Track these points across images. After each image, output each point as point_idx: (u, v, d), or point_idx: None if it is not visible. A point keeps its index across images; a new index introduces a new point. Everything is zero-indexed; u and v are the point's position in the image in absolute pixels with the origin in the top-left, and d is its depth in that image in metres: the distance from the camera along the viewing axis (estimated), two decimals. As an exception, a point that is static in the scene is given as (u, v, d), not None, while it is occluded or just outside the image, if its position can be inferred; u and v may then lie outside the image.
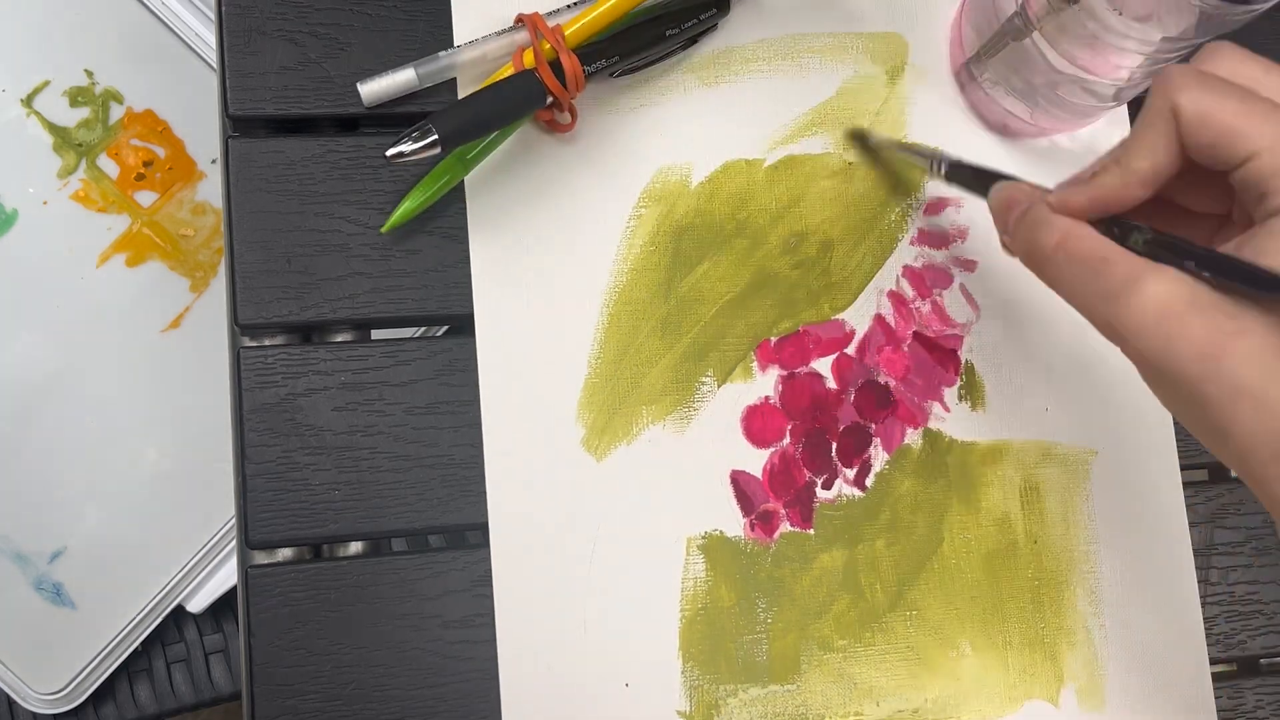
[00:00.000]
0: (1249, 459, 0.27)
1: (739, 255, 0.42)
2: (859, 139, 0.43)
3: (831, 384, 0.42)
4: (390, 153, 0.35)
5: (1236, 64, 0.29)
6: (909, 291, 0.43)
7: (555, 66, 0.38)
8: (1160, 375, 0.27)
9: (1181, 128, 0.27)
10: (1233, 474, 0.45)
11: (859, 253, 0.43)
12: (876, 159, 0.43)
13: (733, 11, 0.43)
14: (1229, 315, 0.26)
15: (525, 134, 0.41)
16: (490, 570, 0.39)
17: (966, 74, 0.43)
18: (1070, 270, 0.29)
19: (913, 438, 0.42)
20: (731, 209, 0.42)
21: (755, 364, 0.42)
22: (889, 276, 0.43)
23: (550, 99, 0.38)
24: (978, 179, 0.36)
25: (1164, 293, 0.26)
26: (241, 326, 0.39)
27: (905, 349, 0.42)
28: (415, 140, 0.35)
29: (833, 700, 0.40)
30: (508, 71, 0.39)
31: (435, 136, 0.35)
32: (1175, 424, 0.44)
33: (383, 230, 0.39)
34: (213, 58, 0.65)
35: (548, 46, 0.38)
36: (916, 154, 0.41)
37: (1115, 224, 0.29)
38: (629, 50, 0.40)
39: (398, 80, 0.40)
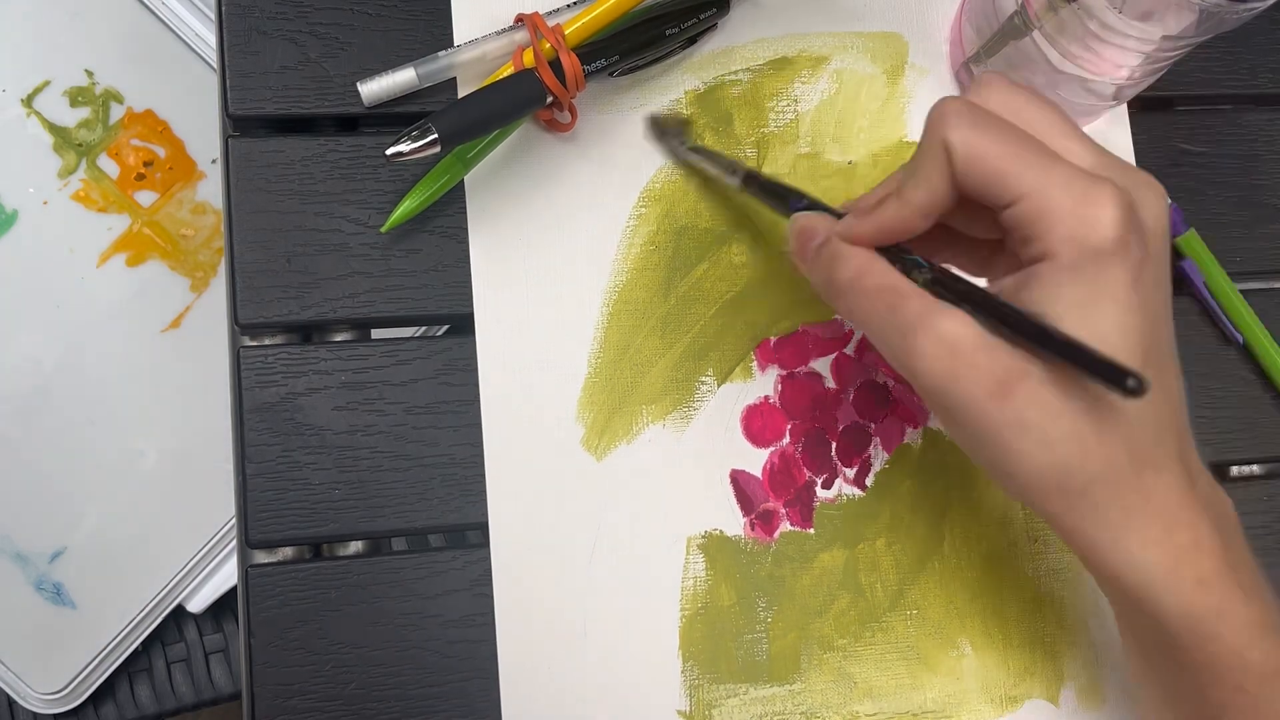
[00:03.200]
0: (1036, 493, 0.28)
1: (738, 255, 0.42)
2: (654, 128, 0.42)
3: (831, 384, 0.42)
4: (390, 152, 0.35)
5: (1005, 96, 0.29)
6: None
7: (555, 66, 0.38)
8: (948, 412, 0.28)
9: (953, 165, 0.28)
10: (1233, 474, 0.45)
11: (859, 252, 0.43)
12: (674, 157, 0.42)
13: (733, 11, 0.43)
14: (1012, 355, 0.27)
15: (526, 134, 0.41)
16: (490, 570, 0.39)
17: (966, 73, 0.43)
18: (865, 304, 0.29)
19: (912, 437, 0.42)
20: (732, 209, 0.42)
21: (755, 363, 0.42)
22: (889, 276, 0.43)
23: (550, 98, 0.38)
24: (771, 194, 0.36)
25: (953, 331, 0.27)
26: (241, 326, 0.39)
27: (905, 348, 0.42)
28: (415, 139, 0.35)
29: (833, 700, 0.40)
30: (508, 71, 0.39)
31: (435, 135, 0.35)
32: (1175, 423, 0.44)
33: (383, 230, 0.39)
34: (213, 58, 0.65)
35: (547, 46, 0.38)
36: (713, 161, 0.40)
37: (899, 258, 0.30)
38: (629, 49, 0.40)
39: (398, 80, 0.39)
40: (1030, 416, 0.27)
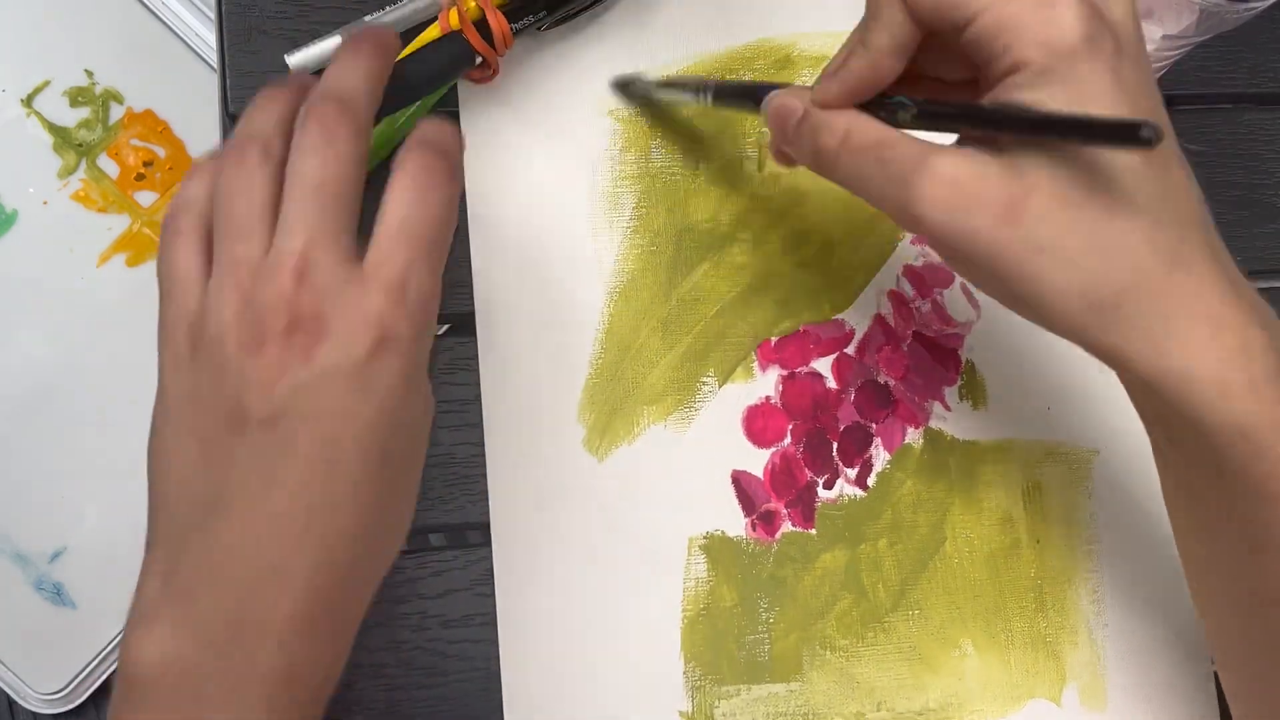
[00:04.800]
0: (1066, 317, 0.27)
1: (740, 255, 0.42)
2: (622, 89, 0.41)
3: (832, 384, 0.42)
4: None
5: None
6: (909, 291, 0.43)
7: (481, 25, 0.38)
8: (961, 252, 0.27)
9: (908, 2, 0.27)
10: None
11: (860, 252, 0.43)
12: (653, 115, 0.41)
13: (733, 11, 0.43)
14: (1015, 175, 0.26)
15: (527, 133, 0.41)
16: (491, 569, 0.39)
17: (967, 73, 0.43)
18: (857, 165, 0.28)
19: (914, 437, 0.42)
20: (733, 209, 0.42)
21: (756, 364, 0.42)
22: (889, 276, 0.43)
23: (479, 59, 0.38)
24: (746, 95, 0.35)
25: (951, 167, 0.26)
26: (242, 326, 0.39)
27: (905, 348, 0.42)
28: None
29: (835, 700, 0.40)
30: (435, 34, 0.39)
31: None
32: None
33: None
34: (213, 58, 0.65)
35: (473, 5, 0.38)
36: (681, 89, 0.39)
37: (880, 105, 0.29)
38: (556, 3, 0.39)
39: (325, 47, 0.39)
40: (1045, 234, 0.25)
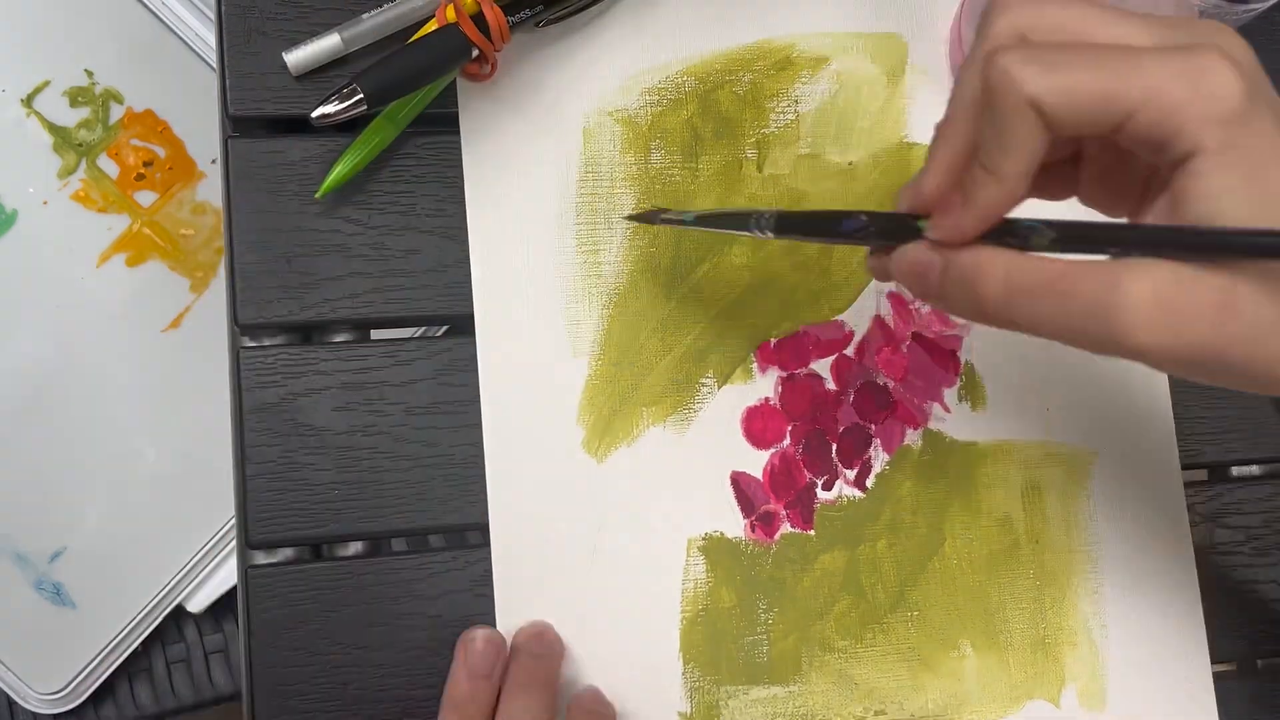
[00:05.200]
0: None
1: (739, 256, 0.42)
2: (644, 220, 0.40)
3: (831, 385, 0.42)
4: (316, 114, 0.36)
5: (1036, 13, 0.27)
6: (909, 292, 0.43)
7: (479, 19, 0.38)
8: (1184, 363, 0.26)
9: (1047, 117, 0.25)
10: (1233, 473, 0.45)
11: (859, 253, 0.43)
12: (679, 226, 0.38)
13: (732, 8, 0.43)
14: (1214, 270, 0.25)
15: (526, 132, 0.41)
16: (490, 570, 0.39)
17: (967, 74, 0.43)
18: (1034, 308, 0.26)
19: (913, 438, 0.42)
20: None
21: (755, 365, 0.42)
22: (889, 277, 0.43)
23: (475, 52, 0.38)
24: (815, 226, 0.32)
25: (1149, 286, 0.25)
26: (241, 326, 0.39)
27: (904, 350, 0.42)
28: (341, 100, 0.36)
29: (834, 701, 0.40)
30: (433, 27, 0.39)
31: (361, 95, 0.36)
32: (1175, 424, 0.44)
33: (317, 195, 0.39)
34: (213, 58, 0.65)
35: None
36: (726, 220, 0.35)
37: (1010, 232, 0.27)
38: None
39: (323, 46, 0.39)
40: (1265, 317, 0.24)
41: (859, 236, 0.30)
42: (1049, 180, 0.30)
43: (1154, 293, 0.24)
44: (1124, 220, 0.27)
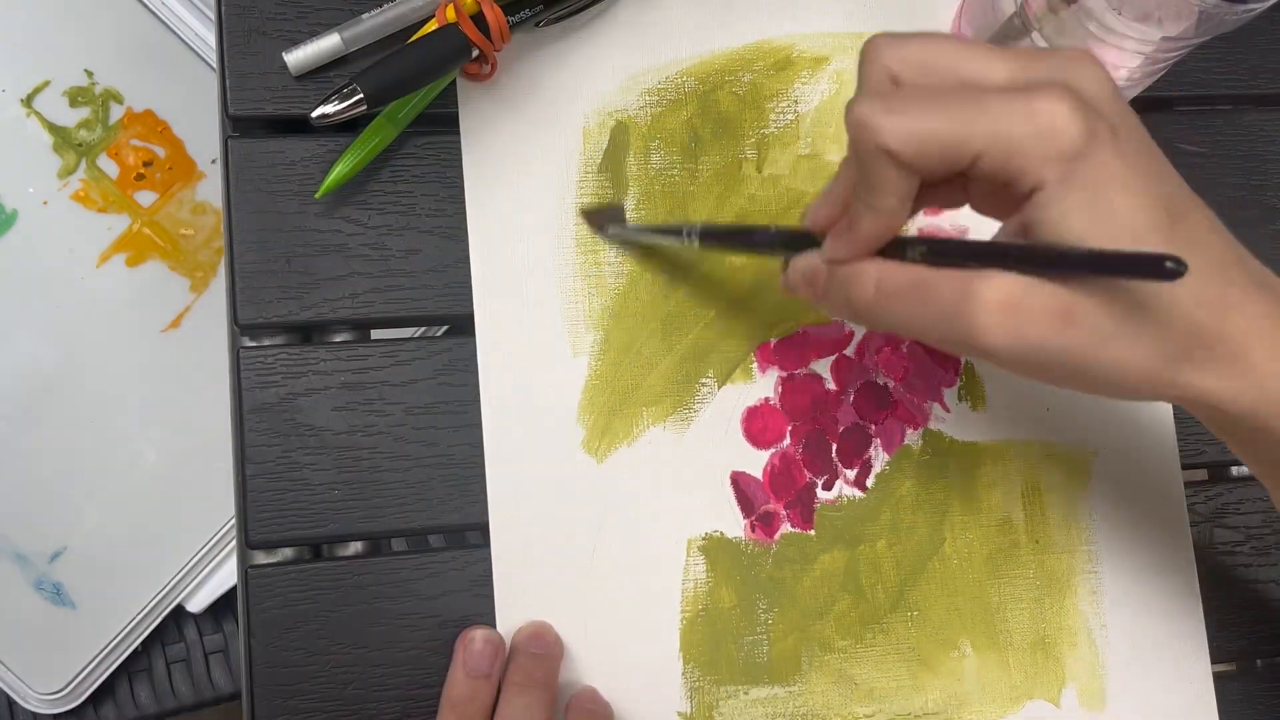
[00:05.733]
0: (1148, 385, 0.28)
1: (739, 256, 0.42)
2: (592, 220, 0.41)
3: (831, 385, 0.42)
4: (316, 114, 0.36)
5: (899, 54, 0.28)
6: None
7: (479, 19, 0.38)
8: (1030, 365, 0.28)
9: (902, 162, 0.27)
10: (1233, 473, 0.45)
11: (859, 253, 0.43)
12: (619, 241, 0.41)
13: (733, 8, 0.43)
14: (1057, 284, 0.26)
15: (526, 132, 0.41)
16: (490, 570, 0.39)
17: (967, 74, 0.43)
18: (899, 310, 0.29)
19: (913, 438, 0.42)
20: (733, 209, 0.42)
21: (755, 365, 0.42)
22: (889, 277, 0.43)
23: (475, 52, 0.38)
24: (734, 239, 0.36)
25: (998, 291, 0.27)
26: (241, 326, 0.39)
27: (904, 350, 0.42)
28: (341, 100, 0.36)
29: (834, 701, 0.40)
30: (433, 27, 0.39)
31: (361, 95, 0.36)
32: (1175, 424, 0.44)
33: (317, 196, 0.39)
34: (213, 58, 0.65)
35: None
36: (660, 233, 0.40)
37: (891, 246, 0.29)
38: None
39: (323, 46, 0.39)
40: (1105, 325, 0.27)
41: (767, 248, 0.34)
42: (941, 193, 0.32)
43: (1003, 298, 0.26)
44: (983, 240, 0.28)
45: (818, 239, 0.31)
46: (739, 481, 0.41)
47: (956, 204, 0.32)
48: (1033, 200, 0.27)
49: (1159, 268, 0.24)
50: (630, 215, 0.41)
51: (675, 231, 0.37)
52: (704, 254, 0.42)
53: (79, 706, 0.63)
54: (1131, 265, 0.25)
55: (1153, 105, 0.46)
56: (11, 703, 0.62)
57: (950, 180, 0.31)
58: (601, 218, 0.41)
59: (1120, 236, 0.26)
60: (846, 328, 0.42)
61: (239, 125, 0.41)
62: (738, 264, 0.42)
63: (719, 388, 0.41)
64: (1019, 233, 0.28)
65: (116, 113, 0.65)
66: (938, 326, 0.28)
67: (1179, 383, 0.28)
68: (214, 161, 0.67)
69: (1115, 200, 0.26)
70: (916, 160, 0.27)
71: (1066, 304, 0.26)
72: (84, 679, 0.62)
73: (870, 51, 0.29)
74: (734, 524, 0.41)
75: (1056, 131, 0.26)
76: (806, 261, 0.32)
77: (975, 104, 0.27)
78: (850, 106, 0.28)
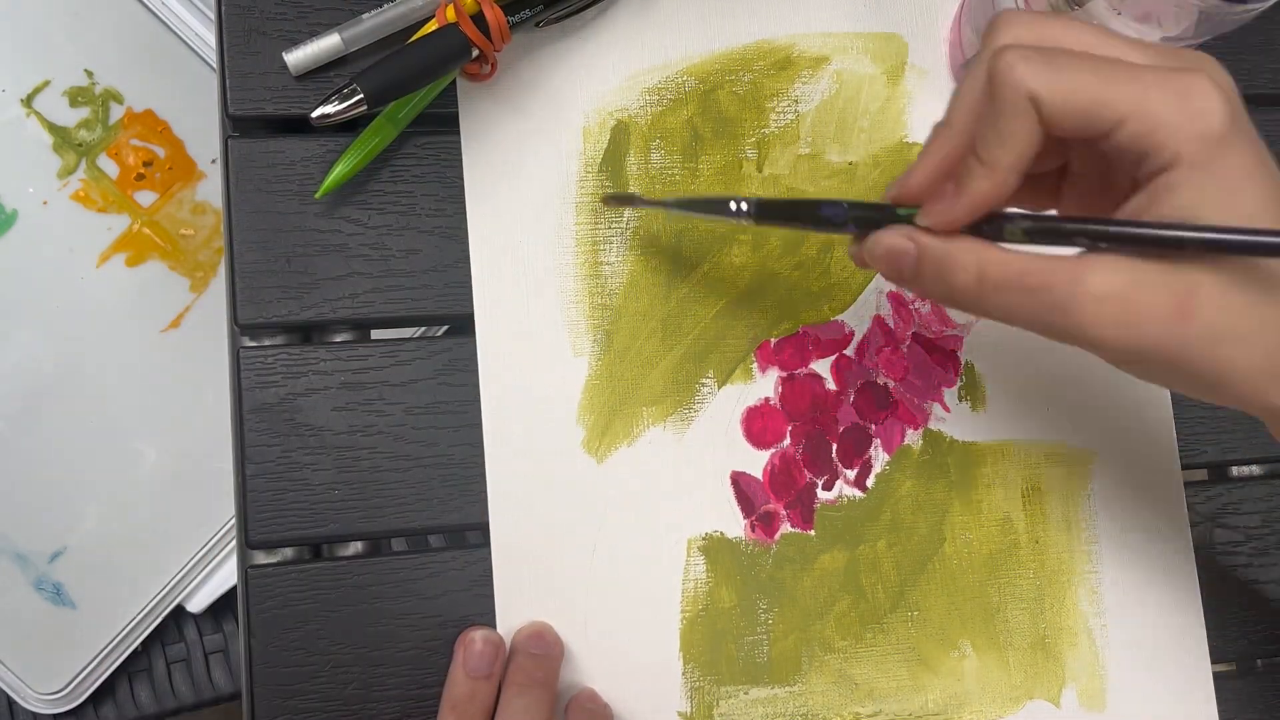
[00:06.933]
0: (1256, 393, 0.27)
1: (739, 256, 0.42)
2: (619, 202, 0.40)
3: (831, 385, 0.42)
4: (316, 114, 0.36)
5: (1041, 28, 0.28)
6: (908, 292, 0.43)
7: (479, 19, 0.38)
8: (1137, 359, 0.27)
9: (1044, 112, 0.26)
10: (1233, 473, 0.45)
11: (859, 253, 0.43)
12: (660, 209, 0.39)
13: (734, 8, 0.43)
14: (1175, 274, 0.26)
15: (526, 132, 0.41)
16: (490, 570, 0.39)
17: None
18: (1003, 300, 0.28)
19: (913, 438, 0.42)
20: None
21: (755, 365, 0.42)
22: (889, 277, 0.43)
23: (476, 52, 0.38)
24: (795, 213, 0.33)
25: (1108, 282, 0.26)
26: (241, 326, 0.39)
27: (904, 350, 0.42)
28: (341, 100, 0.36)
29: (834, 701, 0.40)
30: (433, 27, 0.39)
31: (361, 95, 0.36)
32: (1175, 424, 0.44)
33: (317, 196, 0.39)
34: (213, 58, 0.65)
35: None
36: (705, 206, 0.36)
37: (987, 221, 0.28)
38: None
39: (323, 46, 0.39)
40: (1220, 322, 0.26)
41: (839, 223, 0.31)
42: (1033, 190, 0.31)
43: (1114, 290, 0.26)
44: (1094, 215, 0.28)
45: (900, 215, 0.29)
46: (739, 481, 0.41)
47: (1044, 204, 0.31)
48: (1164, 179, 0.26)
49: None
50: (631, 214, 0.41)
51: (721, 205, 0.34)
52: (704, 254, 0.42)
53: (79, 706, 0.63)
54: (1257, 243, 0.24)
55: (1153, 105, 0.46)
56: (11, 703, 0.62)
57: (1049, 174, 0.30)
58: (626, 198, 0.40)
59: (1243, 224, 0.25)
60: (847, 328, 0.42)
61: (239, 125, 0.41)
62: (738, 263, 0.42)
63: (719, 388, 0.41)
64: (1136, 215, 0.27)
65: (116, 113, 0.65)
66: (1045, 317, 0.27)
67: None
68: (214, 161, 0.67)
69: (1245, 189, 0.26)
70: (1060, 114, 0.26)
71: (1184, 299, 0.26)
72: (84, 679, 0.62)
73: (1004, 22, 0.28)
74: (734, 524, 0.41)
75: (1206, 112, 0.26)
76: (893, 238, 0.29)
77: (1126, 71, 0.26)
78: (1001, 52, 0.27)
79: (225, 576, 0.65)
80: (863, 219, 0.31)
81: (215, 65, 0.48)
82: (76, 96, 0.65)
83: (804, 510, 0.41)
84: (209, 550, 0.64)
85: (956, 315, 0.43)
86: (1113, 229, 0.26)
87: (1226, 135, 0.26)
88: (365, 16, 0.39)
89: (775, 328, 0.42)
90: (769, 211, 0.33)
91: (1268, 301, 0.26)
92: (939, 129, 0.29)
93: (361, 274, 0.40)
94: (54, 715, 0.63)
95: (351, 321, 0.40)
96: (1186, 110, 0.26)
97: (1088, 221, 0.27)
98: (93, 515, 0.63)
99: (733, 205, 0.33)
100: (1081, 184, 0.31)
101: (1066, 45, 0.27)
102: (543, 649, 0.38)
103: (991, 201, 0.28)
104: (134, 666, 0.66)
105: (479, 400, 0.40)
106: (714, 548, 0.40)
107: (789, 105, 0.43)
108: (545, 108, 0.41)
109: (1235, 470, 0.45)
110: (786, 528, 0.41)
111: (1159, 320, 0.26)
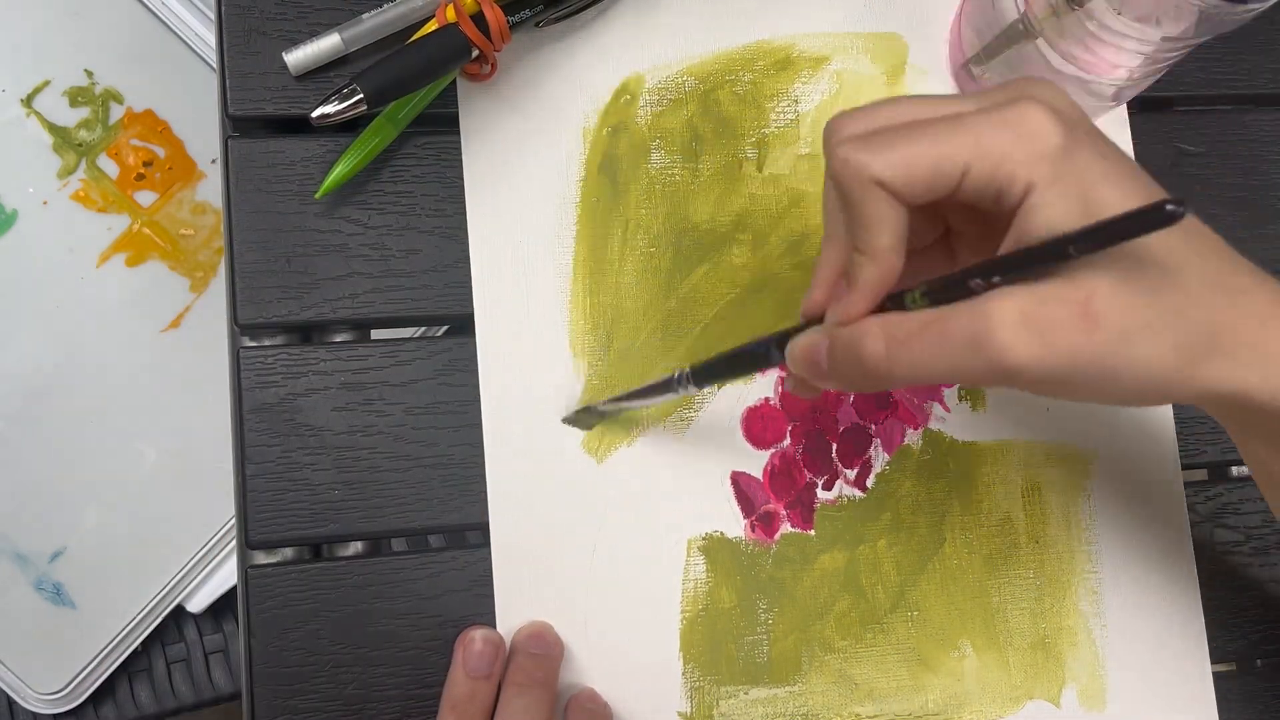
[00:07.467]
0: (1176, 384, 0.27)
1: (739, 256, 0.42)
2: (579, 422, 0.40)
3: (832, 384, 0.42)
4: (316, 114, 0.36)
5: (863, 121, 0.29)
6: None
7: (479, 19, 0.38)
8: (1063, 379, 0.27)
9: (893, 189, 0.27)
10: (1233, 473, 0.45)
11: (859, 253, 0.42)
12: (609, 417, 0.40)
13: (735, 5, 0.43)
14: (1070, 287, 0.26)
15: (526, 132, 0.41)
16: (490, 570, 0.39)
17: (966, 74, 0.43)
18: (917, 355, 0.28)
19: (913, 438, 0.42)
20: (733, 210, 0.42)
21: (755, 364, 0.41)
22: (889, 277, 0.43)
23: (475, 52, 0.38)
24: (730, 365, 0.34)
25: (1012, 307, 0.26)
26: (241, 326, 0.39)
27: (905, 349, 0.42)
28: (341, 100, 0.36)
29: (834, 701, 0.40)
30: (433, 27, 0.39)
31: (361, 95, 0.36)
32: (1175, 424, 0.44)
33: (317, 196, 0.39)
34: (213, 58, 0.65)
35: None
36: (648, 393, 0.37)
37: (888, 300, 0.29)
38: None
39: (323, 46, 0.39)
40: (1125, 321, 0.26)
41: (765, 358, 0.33)
42: (928, 261, 0.32)
43: (1019, 311, 0.26)
44: (977, 260, 0.28)
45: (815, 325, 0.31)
46: (739, 481, 0.41)
47: (943, 270, 0.31)
48: (1025, 206, 0.27)
49: (1161, 214, 0.23)
50: (630, 215, 0.41)
51: (665, 385, 0.36)
52: (704, 253, 0.42)
53: (79, 706, 0.63)
54: (1134, 224, 0.24)
55: (1152, 106, 0.46)
56: (11, 703, 0.62)
57: (932, 246, 0.31)
58: (585, 416, 0.40)
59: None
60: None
61: (239, 125, 0.41)
62: (739, 263, 0.42)
63: (719, 388, 0.41)
64: (1016, 246, 0.28)
65: (116, 113, 0.65)
66: (960, 360, 0.27)
67: (1203, 376, 0.27)
68: (214, 161, 0.67)
69: (1101, 187, 0.27)
70: (907, 187, 0.27)
71: (1084, 305, 0.26)
72: (84, 679, 0.62)
73: (834, 124, 0.29)
74: (734, 524, 0.41)
75: (1038, 133, 0.27)
76: (805, 341, 0.31)
77: (954, 123, 0.27)
78: (833, 151, 0.28)
79: (225, 576, 0.65)
80: (784, 341, 0.32)
81: (215, 65, 0.48)
82: (76, 96, 0.65)
83: (804, 510, 0.41)
84: (209, 550, 0.64)
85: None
86: (999, 263, 0.27)
87: (1066, 146, 0.27)
88: (365, 16, 0.39)
89: (775, 328, 0.42)
90: (707, 374, 0.35)
91: (1163, 289, 0.27)
92: (824, 243, 0.31)
93: (361, 274, 0.40)
94: (54, 715, 0.63)
95: (351, 321, 0.40)
96: (1021, 137, 0.27)
97: (975, 265, 0.27)
98: (93, 515, 0.63)
99: (675, 384, 0.35)
100: (968, 240, 0.32)
101: (896, 122, 0.29)
102: (543, 649, 0.38)
103: (883, 285, 0.29)
104: (134, 666, 0.66)
105: (479, 400, 0.40)
106: (714, 548, 0.40)
107: (789, 105, 0.43)
108: (545, 108, 0.41)
109: (1235, 470, 0.45)
110: (786, 528, 0.41)
111: (1068, 330, 0.26)
